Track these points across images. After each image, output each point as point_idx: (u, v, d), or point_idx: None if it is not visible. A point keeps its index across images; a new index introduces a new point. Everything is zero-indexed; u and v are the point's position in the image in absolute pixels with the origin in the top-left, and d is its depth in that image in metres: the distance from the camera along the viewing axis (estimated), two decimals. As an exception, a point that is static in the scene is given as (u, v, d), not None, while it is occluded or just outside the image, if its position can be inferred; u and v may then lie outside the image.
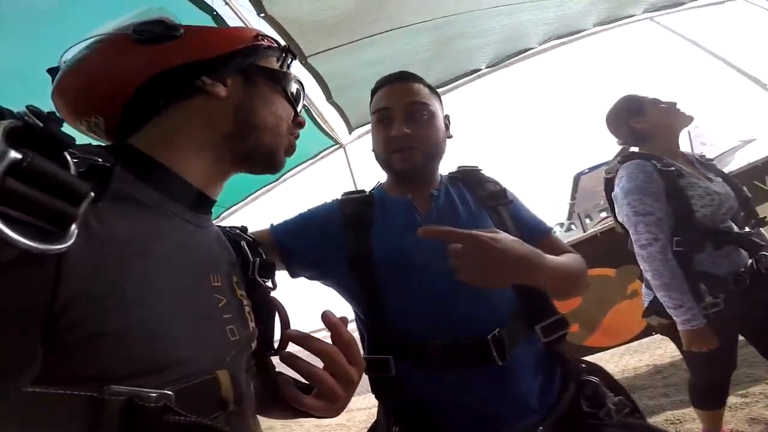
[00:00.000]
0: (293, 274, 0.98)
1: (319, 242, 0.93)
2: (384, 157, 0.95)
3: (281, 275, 0.89)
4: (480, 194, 0.96)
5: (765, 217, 1.46)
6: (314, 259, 0.93)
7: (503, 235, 0.69)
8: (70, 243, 0.33)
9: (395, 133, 0.90)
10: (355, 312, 0.94)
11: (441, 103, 1.01)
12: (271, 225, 0.98)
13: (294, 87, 0.63)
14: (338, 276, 0.92)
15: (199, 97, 0.54)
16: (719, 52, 3.18)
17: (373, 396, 0.86)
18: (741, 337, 2.79)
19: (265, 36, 0.61)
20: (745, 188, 1.47)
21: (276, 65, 0.62)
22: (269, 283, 0.68)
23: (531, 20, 2.88)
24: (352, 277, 0.88)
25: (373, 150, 1.01)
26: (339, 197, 1.01)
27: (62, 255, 0.34)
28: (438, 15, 2.52)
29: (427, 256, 0.81)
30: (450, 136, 1.00)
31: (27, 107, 0.35)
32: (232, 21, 2.21)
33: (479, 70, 3.19)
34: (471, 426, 0.77)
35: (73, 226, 0.34)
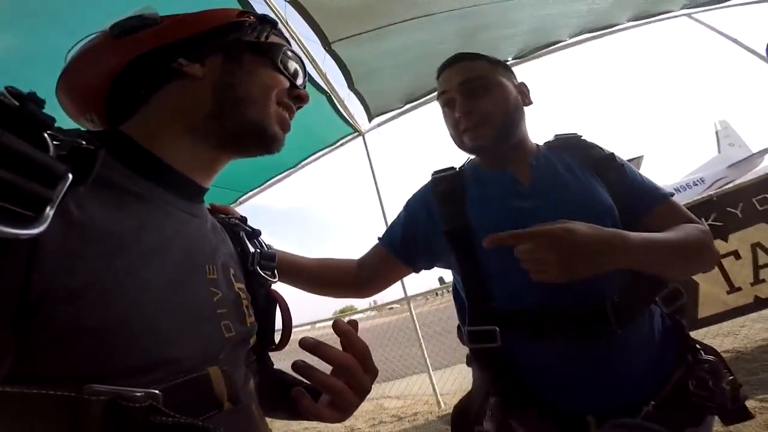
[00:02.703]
0: (416, 270, 1.03)
1: (420, 229, 0.97)
2: (457, 140, 0.96)
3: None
4: (586, 160, 0.91)
5: None
6: (423, 247, 0.97)
7: (574, 225, 0.67)
8: (43, 228, 0.30)
9: (458, 113, 0.90)
10: (455, 286, 0.96)
11: (508, 73, 0.97)
12: (378, 238, 1.05)
13: (286, 59, 0.59)
14: (442, 253, 0.94)
15: (178, 80, 0.52)
16: (760, 50, 3.04)
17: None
18: (766, 342, 2.71)
19: (249, 13, 0.59)
20: None
21: (257, 39, 0.58)
22: (270, 276, 0.65)
23: (562, 12, 2.80)
24: (451, 250, 0.89)
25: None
26: (430, 177, 1.02)
27: (36, 242, 0.31)
28: (465, 4, 2.47)
29: (533, 224, 0.79)
30: (527, 103, 0.96)
31: (6, 88, 0.33)
32: (260, 7, 2.20)
33: (506, 61, 3.12)
34: (575, 399, 0.74)
35: (48, 210, 0.31)
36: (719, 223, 2.55)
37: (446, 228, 0.90)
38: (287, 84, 0.58)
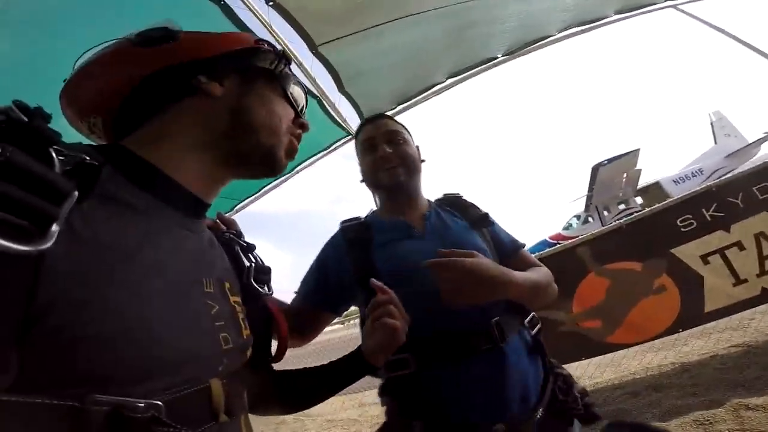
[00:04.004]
0: (338, 313, 1.13)
1: (332, 275, 1.08)
2: (373, 177, 1.15)
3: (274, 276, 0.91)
4: (468, 217, 1.15)
5: None
6: (337, 291, 1.08)
7: (481, 259, 0.86)
8: (49, 244, 0.32)
9: (380, 154, 1.12)
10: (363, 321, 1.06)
11: (411, 137, 1.22)
12: (295, 293, 1.14)
13: (294, 89, 0.64)
14: (354, 295, 1.06)
15: (195, 96, 0.54)
16: (750, 39, 3.01)
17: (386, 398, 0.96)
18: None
19: (265, 41, 0.63)
20: None
21: (274, 68, 0.62)
22: (265, 289, 0.67)
23: (549, 7, 2.78)
24: (362, 292, 1.00)
25: (363, 177, 1.21)
26: (339, 227, 1.16)
27: (42, 256, 0.33)
28: (451, 2, 2.43)
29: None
30: (422, 161, 1.21)
31: (13, 102, 0.34)
32: (240, 11, 2.16)
33: (495, 58, 3.08)
34: (484, 412, 0.87)
35: (54, 226, 0.33)
36: (720, 214, 2.49)
37: (356, 272, 1.02)
38: (293, 114, 0.63)
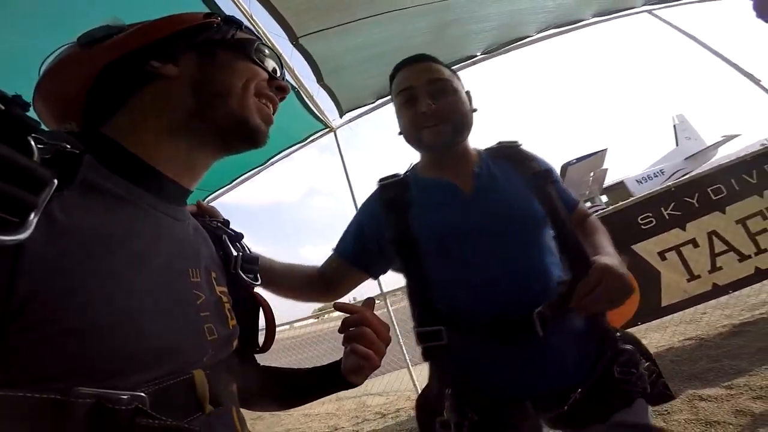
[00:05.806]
0: (373, 276, 1.06)
1: (370, 238, 1.00)
2: (414, 136, 0.98)
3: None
4: (526, 173, 0.98)
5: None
6: (375, 254, 1.00)
7: (613, 261, 0.78)
8: (27, 234, 0.31)
9: (423, 109, 0.93)
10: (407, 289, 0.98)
11: (460, 80, 1.02)
12: (333, 249, 1.07)
13: (260, 51, 0.60)
14: (393, 259, 0.98)
15: (154, 82, 0.52)
16: (716, 47, 3.17)
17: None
18: (726, 328, 2.84)
19: (216, 14, 0.60)
20: None
21: (229, 36, 0.59)
22: (252, 279, 0.66)
23: (529, 8, 2.83)
24: (397, 255, 0.94)
25: (401, 132, 1.03)
26: (377, 185, 1.05)
27: (21, 247, 0.32)
28: (434, -1, 2.45)
29: (472, 235, 0.88)
30: (475, 110, 1.01)
31: None
32: (223, 2, 2.11)
33: (475, 56, 3.13)
34: (513, 388, 0.84)
35: (32, 216, 0.32)
36: (678, 213, 2.65)
37: (391, 236, 0.94)
38: (265, 75, 0.59)
